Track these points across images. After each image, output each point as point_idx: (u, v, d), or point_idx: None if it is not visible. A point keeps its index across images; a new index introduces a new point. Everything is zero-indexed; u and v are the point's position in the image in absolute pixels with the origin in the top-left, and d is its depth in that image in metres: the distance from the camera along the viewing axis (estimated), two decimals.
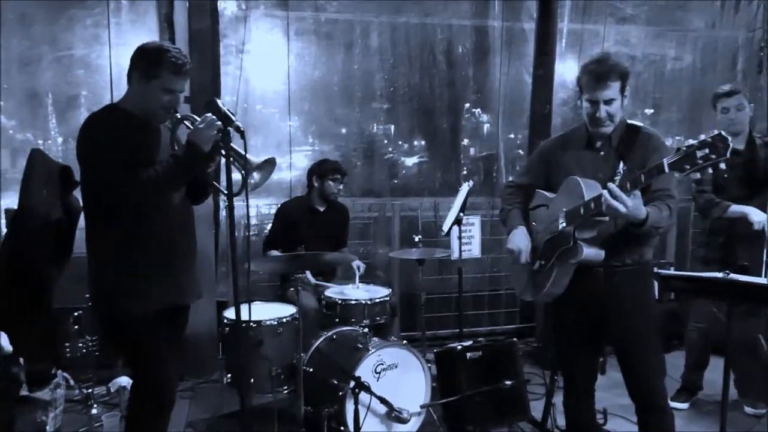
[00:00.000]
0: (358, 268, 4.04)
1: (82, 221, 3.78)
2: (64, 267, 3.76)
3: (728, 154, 1.95)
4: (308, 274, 4.07)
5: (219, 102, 2.25)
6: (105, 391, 3.85)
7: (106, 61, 4.32)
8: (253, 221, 4.74)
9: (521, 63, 5.30)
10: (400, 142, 5.39)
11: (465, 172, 5.45)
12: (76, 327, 3.71)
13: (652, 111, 5.77)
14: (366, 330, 3.51)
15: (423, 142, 5.38)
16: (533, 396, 3.73)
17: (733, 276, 2.34)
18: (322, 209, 4.34)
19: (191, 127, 2.37)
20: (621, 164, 2.42)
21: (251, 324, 3.24)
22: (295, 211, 4.26)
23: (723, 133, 1.97)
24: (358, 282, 3.95)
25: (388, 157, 5.36)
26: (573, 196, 2.42)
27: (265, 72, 4.87)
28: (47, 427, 3.38)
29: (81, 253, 3.92)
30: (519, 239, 2.67)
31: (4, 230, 3.87)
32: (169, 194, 2.46)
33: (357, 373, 3.06)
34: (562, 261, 2.50)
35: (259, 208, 4.87)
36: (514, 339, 3.64)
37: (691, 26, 5.66)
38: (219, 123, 2.29)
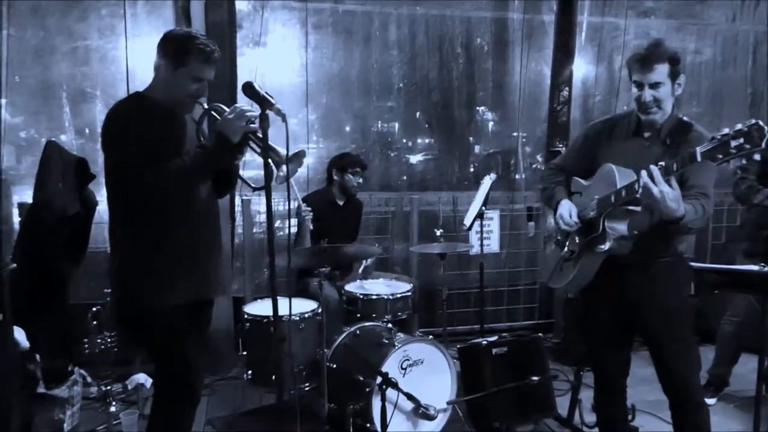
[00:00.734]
0: (365, 261, 4.00)
1: (97, 216, 3.74)
2: (80, 262, 3.71)
3: (764, 144, 1.88)
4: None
5: (256, 85, 2.17)
6: (122, 388, 3.78)
7: (122, 53, 4.25)
8: (263, 217, 4.64)
9: (540, 56, 5.27)
10: (417, 137, 5.33)
11: (472, 170, 5.40)
12: (94, 323, 3.65)
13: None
14: (390, 325, 3.45)
15: (440, 136, 5.32)
16: (555, 392, 3.65)
17: None
18: (341, 203, 4.30)
19: (218, 117, 2.31)
20: (666, 158, 2.34)
21: (281, 319, 3.16)
22: (319, 205, 4.18)
23: (760, 122, 1.89)
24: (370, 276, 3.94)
25: (404, 151, 5.29)
26: (606, 184, 2.39)
27: (281, 65, 4.79)
28: (65, 425, 3.33)
29: (97, 248, 3.91)
30: (565, 209, 2.58)
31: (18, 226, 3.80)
32: (196, 186, 2.39)
33: (383, 369, 3.00)
34: (590, 249, 2.46)
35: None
36: (540, 334, 3.60)
37: (711, 20, 5.63)
38: (250, 113, 2.23)
